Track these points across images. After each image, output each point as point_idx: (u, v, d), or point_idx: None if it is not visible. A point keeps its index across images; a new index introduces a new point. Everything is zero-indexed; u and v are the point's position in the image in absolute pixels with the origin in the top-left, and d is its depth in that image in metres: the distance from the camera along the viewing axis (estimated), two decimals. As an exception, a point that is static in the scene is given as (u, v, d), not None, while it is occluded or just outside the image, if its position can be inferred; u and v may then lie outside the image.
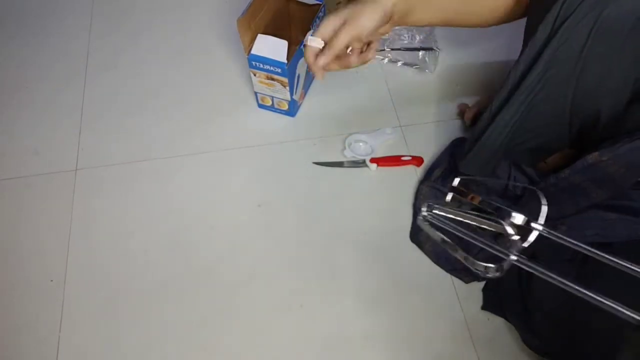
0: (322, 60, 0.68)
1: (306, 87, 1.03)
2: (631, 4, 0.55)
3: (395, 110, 1.02)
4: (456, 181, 0.43)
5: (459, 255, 0.38)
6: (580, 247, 0.40)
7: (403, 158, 0.94)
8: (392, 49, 1.08)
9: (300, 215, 0.89)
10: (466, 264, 0.38)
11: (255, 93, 0.99)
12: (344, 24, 0.66)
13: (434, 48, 1.07)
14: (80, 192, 0.92)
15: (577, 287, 0.34)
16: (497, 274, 0.34)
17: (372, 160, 0.93)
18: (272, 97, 0.97)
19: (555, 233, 0.38)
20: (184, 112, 1.02)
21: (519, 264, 0.35)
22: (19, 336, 0.78)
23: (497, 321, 0.79)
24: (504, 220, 0.36)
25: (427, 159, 0.95)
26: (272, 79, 0.91)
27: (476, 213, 0.41)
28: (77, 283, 0.82)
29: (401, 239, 0.86)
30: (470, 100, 1.02)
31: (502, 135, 0.71)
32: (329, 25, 0.67)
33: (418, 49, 1.07)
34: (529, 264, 0.35)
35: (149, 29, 1.15)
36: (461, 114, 1.00)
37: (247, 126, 1.00)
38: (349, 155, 0.95)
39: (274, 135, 0.98)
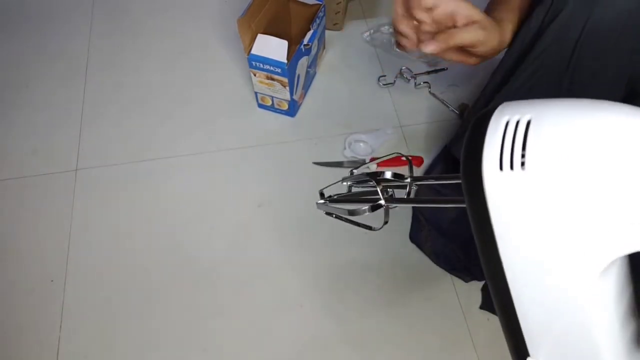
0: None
1: (306, 87, 1.03)
2: (623, 1, 0.55)
3: (395, 110, 1.02)
4: (373, 166, 0.47)
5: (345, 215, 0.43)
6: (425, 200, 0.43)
7: (403, 158, 0.94)
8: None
9: (300, 215, 0.89)
10: (351, 218, 0.43)
11: (255, 93, 0.99)
12: None
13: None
14: (80, 192, 0.92)
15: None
16: (366, 212, 0.40)
17: (372, 160, 0.94)
18: (272, 97, 0.97)
19: (423, 182, 0.43)
20: (184, 112, 1.02)
21: (389, 205, 0.40)
22: (19, 336, 0.78)
23: (497, 321, 0.79)
24: (376, 181, 0.41)
25: (427, 159, 0.95)
26: (272, 79, 0.91)
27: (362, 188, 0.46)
28: (77, 283, 0.82)
29: (401, 239, 0.86)
30: (470, 101, 1.02)
31: None
32: None
33: (428, 73, 1.07)
34: (399, 203, 0.41)
35: (149, 29, 1.15)
36: (461, 114, 1.00)
37: (247, 126, 1.00)
38: (349, 155, 0.95)
39: (274, 135, 0.98)
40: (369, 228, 0.44)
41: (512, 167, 0.24)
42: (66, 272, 0.83)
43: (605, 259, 0.22)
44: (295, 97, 0.96)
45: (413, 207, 0.89)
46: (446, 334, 0.78)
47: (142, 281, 0.82)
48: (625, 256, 0.23)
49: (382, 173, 0.42)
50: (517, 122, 0.24)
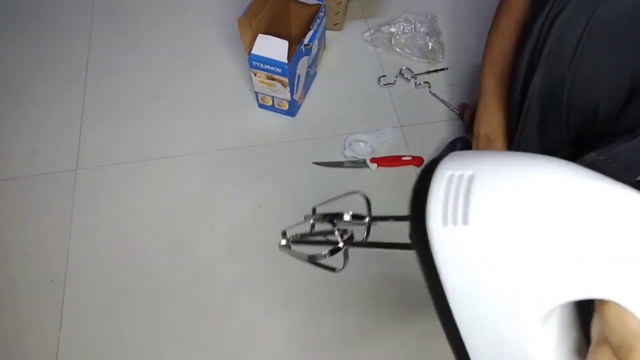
0: None
1: (306, 87, 1.03)
2: (623, 3, 0.55)
3: (395, 110, 1.02)
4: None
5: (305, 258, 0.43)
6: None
7: (403, 158, 0.94)
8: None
9: (301, 215, 0.89)
10: (312, 262, 0.43)
11: (256, 93, 0.99)
12: None
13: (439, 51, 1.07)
14: (80, 192, 0.92)
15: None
16: (326, 257, 0.41)
17: (373, 160, 0.93)
18: (273, 97, 0.97)
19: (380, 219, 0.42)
20: (184, 112, 1.02)
21: (347, 247, 0.41)
22: (19, 336, 0.78)
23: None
24: (334, 223, 0.42)
25: (427, 159, 0.95)
26: (273, 79, 0.91)
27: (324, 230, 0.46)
28: (77, 283, 0.82)
29: (401, 239, 0.86)
30: (469, 101, 1.02)
31: None
32: None
33: (428, 72, 1.07)
34: (356, 246, 0.41)
35: (150, 30, 1.15)
36: (461, 114, 1.00)
37: (247, 126, 1.00)
38: (349, 155, 0.95)
39: (274, 135, 0.98)
40: (332, 270, 0.44)
41: (455, 222, 0.24)
42: (66, 272, 0.83)
43: (544, 309, 0.23)
44: (295, 97, 0.96)
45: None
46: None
47: (142, 281, 0.82)
48: (569, 303, 0.25)
49: (342, 215, 0.42)
50: (460, 177, 0.25)
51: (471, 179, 0.25)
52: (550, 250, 0.22)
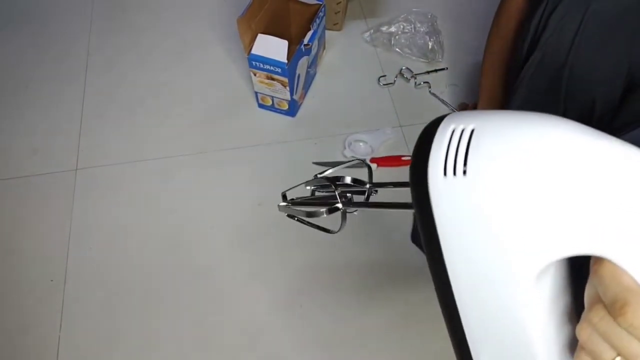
0: None
1: (306, 87, 1.03)
2: None
3: (395, 110, 1.02)
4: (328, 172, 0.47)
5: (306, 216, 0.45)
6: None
7: (403, 158, 0.94)
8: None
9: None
10: (311, 220, 0.45)
11: (256, 93, 0.99)
12: None
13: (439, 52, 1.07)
14: (80, 192, 0.92)
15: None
16: (324, 215, 0.42)
17: (372, 160, 0.93)
18: (272, 97, 0.97)
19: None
20: (184, 112, 1.02)
21: (346, 208, 0.42)
22: (19, 336, 0.78)
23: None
24: (335, 186, 0.43)
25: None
26: (272, 79, 0.91)
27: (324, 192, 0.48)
28: (77, 283, 0.82)
29: (402, 239, 0.86)
30: (469, 100, 1.02)
31: None
32: None
33: (428, 72, 1.08)
34: (355, 206, 0.43)
35: (149, 29, 1.15)
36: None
37: (247, 126, 1.00)
38: (349, 155, 0.95)
39: (274, 135, 0.98)
40: (327, 231, 0.46)
41: (455, 173, 0.25)
42: (66, 272, 0.83)
43: (540, 264, 0.23)
44: (295, 97, 0.96)
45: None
46: (447, 334, 0.78)
47: (142, 281, 0.82)
48: (564, 261, 0.25)
49: (343, 178, 0.44)
50: (462, 131, 0.26)
51: (473, 132, 0.25)
52: (548, 205, 0.22)
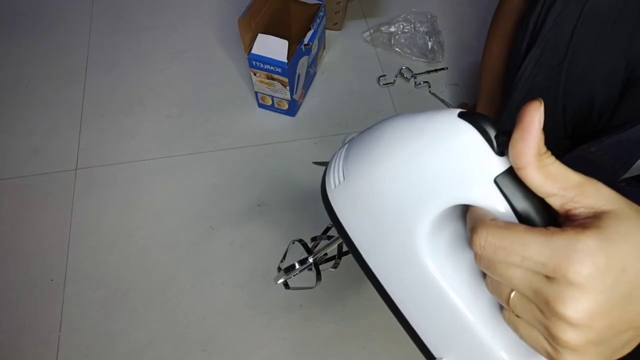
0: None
1: (306, 87, 1.03)
2: None
3: (395, 109, 1.02)
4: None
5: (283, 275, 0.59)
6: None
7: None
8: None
9: (301, 214, 0.89)
10: (286, 276, 0.59)
11: (256, 93, 0.99)
12: None
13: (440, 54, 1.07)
14: (80, 192, 0.92)
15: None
16: (293, 275, 0.58)
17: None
18: (273, 97, 0.97)
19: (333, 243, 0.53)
20: (183, 112, 1.02)
21: (315, 261, 0.57)
22: (19, 336, 0.78)
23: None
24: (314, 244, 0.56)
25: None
26: (273, 79, 0.91)
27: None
28: (77, 283, 0.82)
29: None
30: (469, 100, 1.02)
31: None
32: None
33: (428, 72, 1.07)
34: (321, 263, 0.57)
35: (149, 29, 1.15)
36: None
37: (247, 126, 1.00)
38: (349, 155, 0.95)
39: (274, 135, 0.98)
40: (309, 288, 0.59)
41: (339, 182, 0.31)
42: (66, 272, 0.83)
43: (425, 220, 0.27)
44: (295, 96, 0.96)
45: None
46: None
47: (142, 281, 0.82)
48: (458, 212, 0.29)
49: (294, 265, 0.58)
50: (340, 151, 0.32)
51: (345, 149, 0.32)
52: (407, 177, 0.27)
